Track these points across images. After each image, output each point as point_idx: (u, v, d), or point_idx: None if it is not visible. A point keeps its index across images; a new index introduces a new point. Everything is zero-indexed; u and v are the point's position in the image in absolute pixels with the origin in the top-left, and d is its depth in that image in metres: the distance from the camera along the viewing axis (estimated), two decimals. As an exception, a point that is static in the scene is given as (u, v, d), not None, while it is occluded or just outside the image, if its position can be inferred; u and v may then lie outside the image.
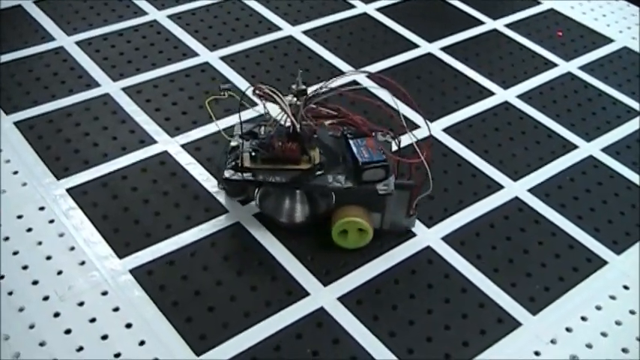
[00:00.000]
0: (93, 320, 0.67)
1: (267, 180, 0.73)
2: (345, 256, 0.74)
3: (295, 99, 0.74)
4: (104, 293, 0.69)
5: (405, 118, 0.80)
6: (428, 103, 0.94)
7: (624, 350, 0.69)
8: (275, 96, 0.72)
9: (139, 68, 0.96)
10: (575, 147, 0.90)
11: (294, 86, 0.74)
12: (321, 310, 0.69)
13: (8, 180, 0.79)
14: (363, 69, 0.98)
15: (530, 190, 0.84)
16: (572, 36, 1.11)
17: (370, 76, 0.92)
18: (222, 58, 0.99)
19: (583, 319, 0.72)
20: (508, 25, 1.12)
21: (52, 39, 1.00)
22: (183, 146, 0.85)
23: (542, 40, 1.09)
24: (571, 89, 1.00)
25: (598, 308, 0.73)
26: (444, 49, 1.05)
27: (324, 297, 0.70)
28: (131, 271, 0.71)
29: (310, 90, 0.74)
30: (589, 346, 0.69)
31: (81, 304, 0.68)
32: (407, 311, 0.70)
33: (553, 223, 0.80)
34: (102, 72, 0.94)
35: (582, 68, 1.04)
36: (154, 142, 0.85)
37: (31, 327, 0.66)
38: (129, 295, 0.69)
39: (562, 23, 1.14)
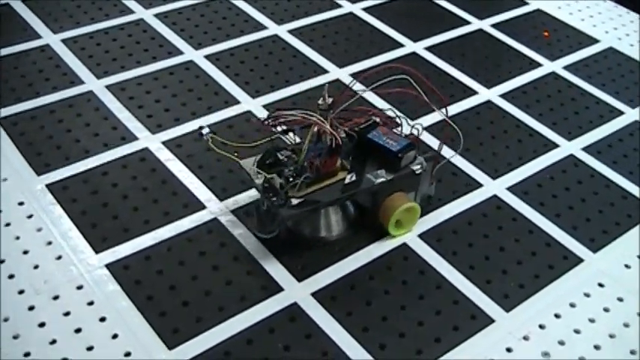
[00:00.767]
0: (67, 314, 0.67)
1: (325, 201, 0.72)
2: (321, 252, 0.74)
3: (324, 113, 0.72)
4: (79, 287, 0.70)
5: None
6: (411, 101, 0.94)
7: (596, 347, 0.69)
8: (302, 116, 0.71)
9: (123, 66, 0.96)
10: (557, 146, 0.91)
11: (320, 101, 0.72)
12: (295, 305, 0.70)
13: (-11, 175, 0.80)
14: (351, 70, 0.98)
15: (510, 189, 0.84)
16: (559, 36, 1.11)
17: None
18: (207, 57, 0.99)
19: (557, 316, 0.72)
20: (494, 25, 1.12)
21: (39, 37, 1.00)
22: (164, 143, 0.85)
23: (528, 41, 1.09)
24: (555, 89, 1.00)
25: (572, 306, 0.73)
26: (429, 48, 1.05)
27: (298, 292, 0.71)
28: (107, 266, 0.72)
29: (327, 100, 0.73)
30: (561, 343, 0.69)
31: (56, 297, 0.69)
32: (381, 307, 0.70)
33: (531, 221, 0.81)
34: (86, 70, 0.95)
35: (567, 68, 1.04)
36: (136, 138, 0.86)
37: (6, 320, 0.66)
38: (104, 289, 0.70)
39: (549, 24, 1.14)
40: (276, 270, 0.73)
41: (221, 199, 0.79)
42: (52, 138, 0.85)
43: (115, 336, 0.66)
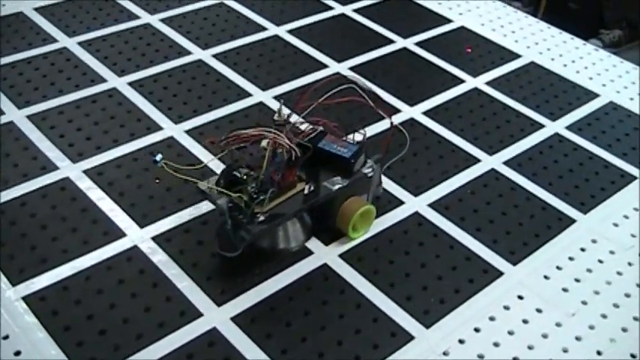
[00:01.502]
0: (-19, 349, 0.66)
1: (290, 213, 0.74)
2: (240, 275, 0.74)
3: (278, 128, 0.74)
4: (-6, 322, 0.69)
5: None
6: (357, 110, 0.93)
7: (515, 359, 0.70)
8: (260, 133, 0.72)
9: (45, 95, 0.96)
10: (478, 160, 0.92)
11: (276, 116, 0.74)
12: (214, 330, 0.70)
13: None
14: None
15: (431, 205, 0.85)
16: (481, 52, 1.13)
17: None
18: (131, 84, 0.99)
19: (476, 330, 0.73)
20: (418, 44, 1.13)
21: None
22: (85, 172, 0.85)
23: (452, 58, 1.11)
24: (477, 104, 1.02)
25: (491, 319, 0.74)
26: (353, 68, 1.06)
27: (217, 317, 0.71)
28: (24, 298, 0.71)
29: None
30: (480, 356, 0.70)
31: (-31, 333, 0.68)
32: (300, 328, 0.71)
33: (451, 237, 0.82)
34: (7, 100, 0.94)
35: (489, 83, 1.06)
36: (56, 168, 0.85)
37: None
38: (19, 322, 0.69)
39: (472, 40, 1.16)
40: (195, 295, 0.72)
41: (141, 226, 0.79)
42: (-31, 171, 0.84)
43: (29, 369, 0.65)
